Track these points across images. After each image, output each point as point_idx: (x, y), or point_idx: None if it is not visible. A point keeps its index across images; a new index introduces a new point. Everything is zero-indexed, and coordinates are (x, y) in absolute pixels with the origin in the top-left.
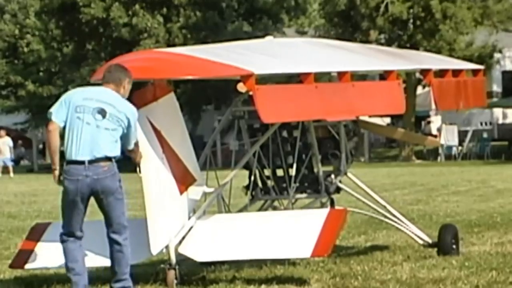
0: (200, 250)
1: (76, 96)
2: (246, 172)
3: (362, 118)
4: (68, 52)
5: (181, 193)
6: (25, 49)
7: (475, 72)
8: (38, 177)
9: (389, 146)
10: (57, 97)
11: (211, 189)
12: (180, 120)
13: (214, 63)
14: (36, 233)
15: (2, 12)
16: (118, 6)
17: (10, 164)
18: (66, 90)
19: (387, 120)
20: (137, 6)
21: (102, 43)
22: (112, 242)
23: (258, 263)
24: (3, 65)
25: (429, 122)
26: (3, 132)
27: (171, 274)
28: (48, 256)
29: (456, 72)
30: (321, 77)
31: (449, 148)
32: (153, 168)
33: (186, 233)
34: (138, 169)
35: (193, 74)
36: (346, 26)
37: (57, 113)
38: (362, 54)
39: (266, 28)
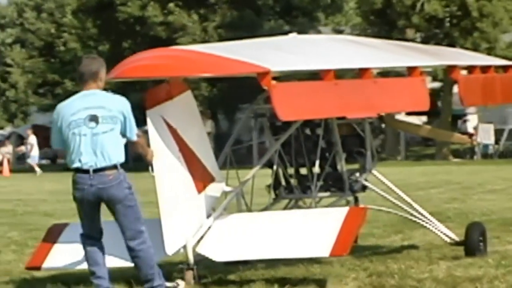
0: (218, 250)
1: (63, 113)
2: (269, 171)
3: (397, 116)
4: (104, 50)
5: (199, 192)
6: (62, 48)
7: (506, 68)
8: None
9: (426, 144)
10: None
11: (231, 188)
12: (198, 118)
13: (229, 60)
14: (53, 234)
15: (39, 11)
16: (154, 5)
17: (34, 162)
18: (103, 88)
19: (424, 118)
20: (172, 5)
21: (138, 42)
22: (128, 249)
23: (294, 262)
24: (40, 63)
25: (465, 121)
26: (29, 131)
27: (189, 274)
28: (65, 257)
29: (485, 68)
30: (345, 74)
31: (486, 146)
32: (168, 167)
33: (205, 233)
34: (150, 168)
35: (208, 72)
36: (383, 25)
37: (54, 140)
38: (386, 50)
39: (302, 26)
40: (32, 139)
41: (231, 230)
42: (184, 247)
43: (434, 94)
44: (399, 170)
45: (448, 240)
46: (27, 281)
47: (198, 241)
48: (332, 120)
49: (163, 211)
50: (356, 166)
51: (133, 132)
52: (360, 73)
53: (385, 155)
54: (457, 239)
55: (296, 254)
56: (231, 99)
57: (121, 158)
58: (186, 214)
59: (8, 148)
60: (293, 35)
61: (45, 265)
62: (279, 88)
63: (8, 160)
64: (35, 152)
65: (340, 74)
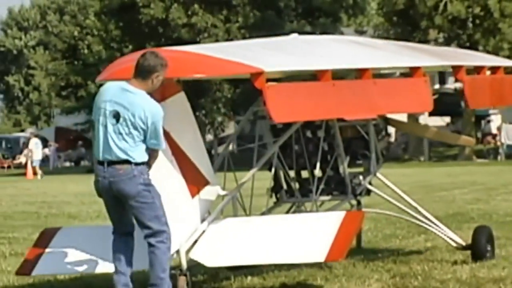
0: (210, 255)
1: (98, 97)
2: (270, 174)
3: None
4: (127, 52)
5: (193, 196)
6: (85, 50)
7: None
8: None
9: (449, 145)
10: None
11: (226, 192)
12: (191, 120)
13: (222, 60)
14: (44, 239)
15: (62, 13)
16: (177, 7)
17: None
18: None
19: (447, 119)
20: (196, 6)
21: (162, 44)
22: (147, 244)
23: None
24: (63, 66)
25: (489, 121)
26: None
27: (182, 280)
28: (56, 262)
29: (493, 69)
30: (347, 75)
31: (510, 147)
32: (161, 171)
33: (198, 238)
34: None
35: (201, 73)
36: (405, 25)
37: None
38: (389, 51)
39: (325, 27)
40: (33, 143)
41: (224, 235)
42: (177, 252)
43: (457, 95)
44: (423, 171)
45: (454, 244)
46: (50, 282)
47: (192, 246)
48: (333, 122)
49: None
50: (361, 169)
51: (155, 142)
52: (360, 73)
53: (408, 156)
54: (463, 243)
55: (291, 260)
56: (253, 100)
57: (138, 156)
58: (180, 219)
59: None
60: (294, 35)
61: (35, 271)
62: (273, 89)
63: (32, 162)
64: (37, 156)
65: (342, 75)
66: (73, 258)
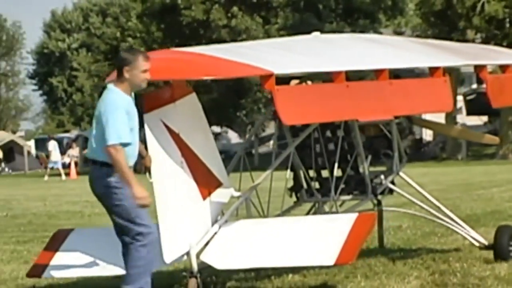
0: (220, 257)
1: None
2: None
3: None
4: None
5: (204, 198)
6: None
7: None
8: (143, 177)
9: (486, 144)
10: None
11: (239, 193)
12: (203, 121)
13: (232, 62)
14: (57, 241)
15: (104, 16)
16: (218, 8)
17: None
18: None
19: (484, 118)
20: (236, 8)
21: (203, 45)
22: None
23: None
24: (105, 67)
25: None
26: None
27: (193, 283)
28: (67, 265)
29: None
30: (366, 75)
31: None
32: (169, 172)
33: (209, 240)
34: (148, 174)
35: (210, 75)
36: (443, 26)
37: None
38: (409, 50)
39: (364, 28)
40: (51, 145)
41: (234, 237)
42: (188, 254)
43: None
44: (460, 170)
45: (477, 244)
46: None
47: (203, 248)
48: (352, 121)
49: (162, 218)
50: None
51: (106, 137)
52: (376, 74)
53: (446, 155)
54: (486, 243)
55: (300, 263)
56: None
57: (101, 156)
58: (189, 221)
59: (75, 151)
60: (315, 34)
61: (46, 273)
62: (282, 92)
63: (76, 163)
64: (56, 157)
65: (362, 75)
66: (85, 260)
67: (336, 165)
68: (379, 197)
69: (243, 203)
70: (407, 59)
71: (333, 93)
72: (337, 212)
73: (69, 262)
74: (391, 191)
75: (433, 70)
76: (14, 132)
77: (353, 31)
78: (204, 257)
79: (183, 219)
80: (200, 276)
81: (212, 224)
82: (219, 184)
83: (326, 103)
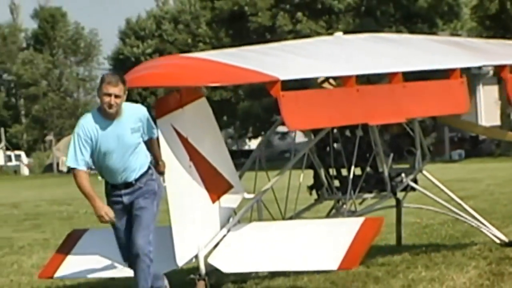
0: (227, 261)
1: None
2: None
3: None
4: None
5: (213, 201)
6: None
7: None
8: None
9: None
10: (227, 101)
11: (251, 196)
12: (213, 125)
13: (238, 68)
14: (71, 241)
15: (176, 23)
16: (283, 15)
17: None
18: (236, 94)
19: None
20: (300, 14)
21: None
22: None
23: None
24: None
25: None
26: None
27: (201, 285)
28: (79, 265)
29: None
30: (382, 79)
31: None
32: (178, 177)
33: (218, 242)
34: (162, 178)
35: (217, 81)
36: (497, 29)
37: None
38: (427, 51)
39: (422, 32)
40: None
41: (241, 241)
42: (196, 257)
43: None
44: None
45: (497, 240)
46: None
47: (211, 251)
48: None
49: (174, 221)
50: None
51: None
52: (389, 77)
53: (500, 152)
54: (506, 240)
55: (304, 267)
56: None
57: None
58: (199, 224)
59: None
60: (338, 34)
61: (58, 274)
62: (288, 98)
63: None
64: None
65: (377, 78)
66: (98, 261)
67: (353, 164)
68: (402, 194)
69: (254, 205)
70: (423, 61)
71: (342, 98)
72: (355, 211)
73: (82, 263)
74: (413, 188)
75: (450, 72)
76: None
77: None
78: (212, 260)
79: (193, 222)
80: (209, 279)
81: (221, 227)
82: (229, 187)
83: (333, 107)
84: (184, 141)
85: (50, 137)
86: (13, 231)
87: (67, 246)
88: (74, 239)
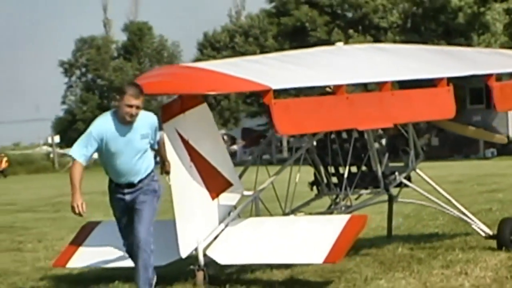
0: (223, 253)
1: None
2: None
3: None
4: None
5: (213, 198)
6: None
7: None
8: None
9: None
10: None
11: (250, 193)
12: (213, 129)
13: (232, 78)
14: (84, 232)
15: (247, 36)
16: (337, 30)
17: None
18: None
19: None
20: (351, 30)
21: None
22: None
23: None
24: None
25: None
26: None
27: (200, 275)
28: (91, 256)
29: None
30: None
31: None
32: (181, 176)
33: (216, 237)
34: (167, 177)
35: (211, 90)
36: None
37: None
38: (417, 60)
39: (459, 45)
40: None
41: (237, 235)
42: (196, 249)
43: None
44: None
45: (483, 234)
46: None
47: (209, 244)
48: None
49: (177, 217)
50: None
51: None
52: (379, 86)
53: None
54: (490, 233)
55: (291, 260)
56: None
57: None
58: (199, 219)
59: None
60: (339, 44)
61: (70, 264)
62: (279, 105)
63: None
64: None
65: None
66: (108, 252)
67: (348, 163)
68: (395, 191)
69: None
70: (412, 71)
71: (332, 105)
72: (351, 205)
73: (93, 254)
74: (406, 185)
75: (437, 81)
76: None
77: None
78: (210, 253)
79: (194, 217)
80: (207, 270)
81: (220, 222)
82: (229, 185)
83: (323, 114)
84: (186, 143)
85: None
86: (104, 216)
87: (80, 238)
88: (87, 230)
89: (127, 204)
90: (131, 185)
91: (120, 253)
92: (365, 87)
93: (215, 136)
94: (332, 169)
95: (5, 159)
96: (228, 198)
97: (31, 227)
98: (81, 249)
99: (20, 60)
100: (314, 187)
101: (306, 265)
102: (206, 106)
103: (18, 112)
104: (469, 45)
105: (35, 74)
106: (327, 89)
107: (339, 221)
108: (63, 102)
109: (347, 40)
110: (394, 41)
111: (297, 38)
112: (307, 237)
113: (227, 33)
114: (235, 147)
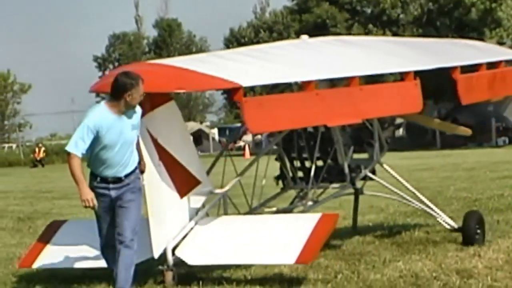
0: (192, 253)
1: None
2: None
3: None
4: None
5: (182, 196)
6: None
7: None
8: None
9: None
10: None
11: (219, 191)
12: (181, 127)
13: (202, 75)
14: (50, 231)
15: (271, 31)
16: (357, 26)
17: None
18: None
19: None
20: (371, 25)
21: None
22: None
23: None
24: None
25: None
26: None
27: (169, 275)
28: (57, 256)
29: (493, 64)
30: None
31: None
32: (151, 174)
33: (185, 236)
34: (141, 177)
35: (181, 88)
36: None
37: None
38: (383, 53)
39: (472, 40)
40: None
41: (206, 234)
42: (165, 249)
43: None
44: None
45: (448, 226)
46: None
47: (178, 244)
48: None
49: (150, 217)
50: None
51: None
52: (347, 81)
53: None
54: (455, 226)
55: (262, 261)
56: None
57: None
58: (168, 218)
59: (249, 136)
60: (304, 37)
61: (36, 264)
62: (250, 103)
63: (248, 146)
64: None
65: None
66: (76, 252)
67: (315, 156)
68: (359, 184)
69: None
70: (380, 64)
71: (302, 101)
72: (317, 200)
73: (60, 253)
74: (370, 178)
75: (404, 75)
76: (201, 123)
77: None
78: (178, 253)
79: (164, 217)
80: (177, 269)
81: (189, 221)
82: (197, 183)
83: (294, 111)
84: (155, 142)
85: None
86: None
87: (46, 237)
88: (53, 229)
89: (111, 200)
90: (117, 180)
91: (88, 253)
92: (330, 82)
93: (183, 134)
94: (298, 163)
95: (42, 149)
96: (197, 196)
97: (67, 213)
98: (48, 249)
99: (57, 55)
100: (280, 181)
101: (323, 249)
102: (174, 103)
103: (54, 105)
104: (481, 39)
105: (71, 68)
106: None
107: (310, 220)
108: (97, 95)
109: (366, 35)
110: (412, 35)
111: (318, 34)
112: (277, 237)
113: (252, 28)
114: (259, 136)
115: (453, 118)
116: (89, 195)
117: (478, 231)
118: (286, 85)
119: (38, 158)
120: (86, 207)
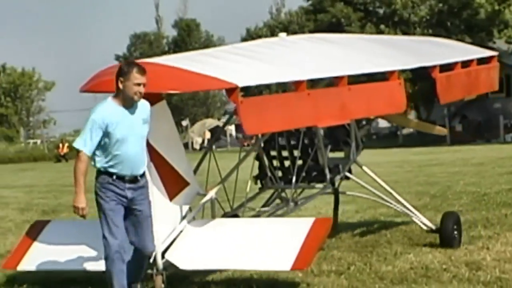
0: (183, 258)
1: None
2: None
3: None
4: None
5: (171, 198)
6: None
7: (488, 59)
8: None
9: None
10: None
11: (207, 196)
12: (170, 126)
13: (197, 75)
14: (34, 232)
15: (286, 31)
16: (370, 25)
17: None
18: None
19: None
20: (383, 26)
21: None
22: None
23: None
24: None
25: None
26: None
27: (159, 279)
28: (42, 257)
29: (467, 63)
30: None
31: None
32: None
33: (175, 238)
34: None
35: (175, 89)
36: None
37: None
38: (367, 53)
39: (481, 40)
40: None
41: (197, 238)
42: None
43: None
44: None
45: (425, 227)
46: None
47: (168, 247)
48: None
49: None
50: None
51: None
52: (335, 80)
53: None
54: (433, 227)
55: (257, 266)
56: (429, 94)
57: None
58: (157, 220)
59: None
60: (282, 35)
61: (21, 266)
62: (246, 104)
63: None
64: None
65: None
66: (60, 253)
67: (297, 155)
68: (337, 184)
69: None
70: (365, 65)
71: (295, 102)
72: (296, 201)
73: (45, 254)
74: (347, 177)
75: (389, 74)
76: (219, 119)
77: (472, 42)
78: (169, 257)
79: (155, 219)
80: (166, 271)
81: (178, 223)
82: (186, 185)
83: (287, 112)
84: (146, 142)
85: (185, 122)
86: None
87: (30, 237)
88: (36, 230)
89: (128, 201)
90: (134, 179)
91: (73, 254)
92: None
93: (173, 134)
94: (277, 163)
95: (66, 144)
96: (185, 198)
97: (90, 206)
98: (33, 249)
99: (80, 54)
100: (259, 181)
101: (336, 242)
102: (165, 103)
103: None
104: (490, 40)
105: (93, 66)
106: None
107: (303, 224)
108: None
109: (379, 34)
110: (423, 35)
111: (333, 33)
112: (271, 242)
113: (268, 28)
114: None
115: (462, 115)
116: (83, 204)
117: (455, 232)
118: (265, 85)
119: (62, 153)
120: (75, 213)
